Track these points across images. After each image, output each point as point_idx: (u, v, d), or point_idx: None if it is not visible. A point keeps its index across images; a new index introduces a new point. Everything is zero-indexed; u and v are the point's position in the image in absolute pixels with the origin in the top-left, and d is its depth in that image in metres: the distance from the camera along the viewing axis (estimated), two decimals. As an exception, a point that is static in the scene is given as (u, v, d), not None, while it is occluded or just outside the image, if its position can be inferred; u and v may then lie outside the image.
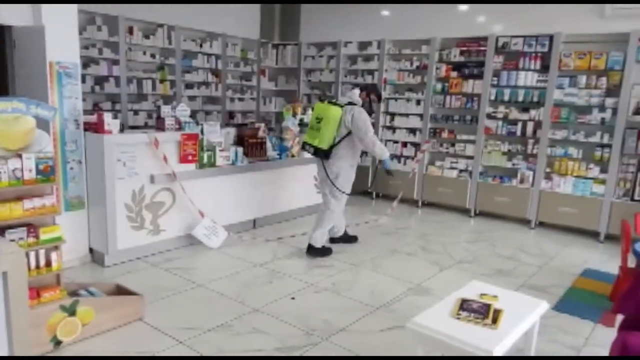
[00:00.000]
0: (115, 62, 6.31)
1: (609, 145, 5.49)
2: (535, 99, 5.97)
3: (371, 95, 4.69)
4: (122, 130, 4.31)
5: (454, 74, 6.59)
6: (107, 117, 4.05)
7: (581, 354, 3.07)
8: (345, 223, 5.10)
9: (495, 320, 2.41)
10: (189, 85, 7.30)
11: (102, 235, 4.15)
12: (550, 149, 5.88)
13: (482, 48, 6.29)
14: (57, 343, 2.87)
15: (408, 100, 7.02)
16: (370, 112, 4.65)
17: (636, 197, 5.36)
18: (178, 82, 7.03)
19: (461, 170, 6.58)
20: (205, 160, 4.78)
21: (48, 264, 2.93)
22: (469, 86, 6.45)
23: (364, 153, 5.56)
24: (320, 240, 4.69)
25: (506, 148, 6.24)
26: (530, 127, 6.02)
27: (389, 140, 7.22)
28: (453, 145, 6.68)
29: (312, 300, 3.69)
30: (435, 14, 6.85)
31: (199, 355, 2.88)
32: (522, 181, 6.07)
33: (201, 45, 7.30)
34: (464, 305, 2.55)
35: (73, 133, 4.03)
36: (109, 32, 6.19)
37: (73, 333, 2.92)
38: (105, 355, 2.86)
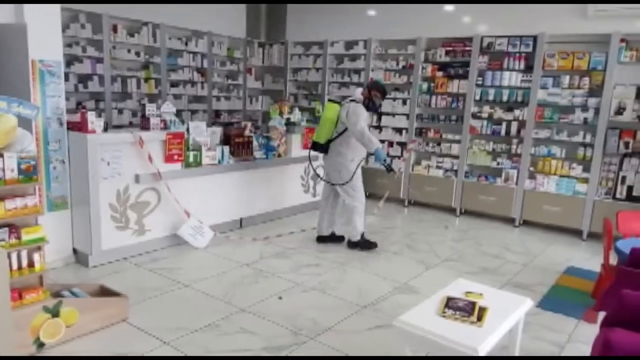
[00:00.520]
0: (99, 61, 6.23)
1: (592, 145, 5.58)
2: (519, 99, 6.04)
3: (372, 91, 4.71)
4: (106, 129, 4.25)
5: (439, 73, 6.64)
6: (91, 116, 4.00)
7: (565, 351, 3.12)
8: (335, 224, 5.13)
9: (480, 318, 2.44)
10: (174, 84, 7.24)
11: (86, 235, 4.10)
12: (534, 148, 5.96)
13: (467, 48, 6.34)
14: (40, 345, 2.82)
15: (394, 99, 7.06)
16: (375, 109, 4.83)
17: (618, 196, 5.46)
18: (163, 80, 6.97)
19: (447, 170, 6.64)
20: (191, 159, 4.74)
21: (31, 264, 2.89)
22: (455, 86, 6.50)
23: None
24: (355, 234, 4.85)
25: (491, 147, 6.31)
26: (514, 126, 6.09)
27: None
28: (439, 144, 6.73)
29: (299, 300, 3.69)
30: (421, 14, 6.89)
31: (184, 355, 2.86)
32: (506, 180, 6.14)
33: (187, 44, 7.24)
34: (450, 304, 2.57)
35: (56, 132, 3.97)
36: (92, 30, 6.11)
37: (56, 334, 2.88)
38: (89, 356, 2.82)
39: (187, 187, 4.72)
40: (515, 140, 6.10)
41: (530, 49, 5.91)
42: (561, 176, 5.81)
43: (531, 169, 6.00)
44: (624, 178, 5.43)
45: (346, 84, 7.56)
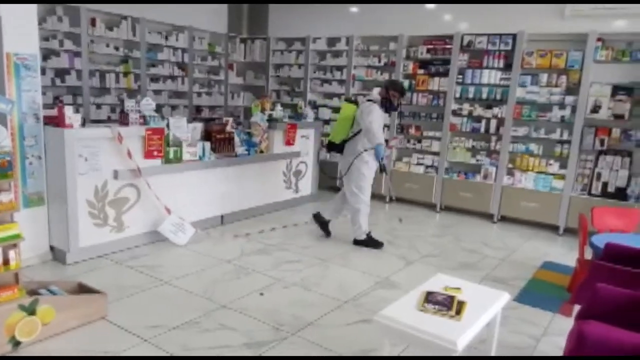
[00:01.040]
0: (77, 55, 6.12)
1: (568, 142, 5.69)
2: (498, 97, 6.13)
3: (390, 91, 4.72)
4: (83, 124, 4.18)
5: (420, 71, 6.69)
6: (68, 110, 3.92)
7: (541, 344, 3.18)
8: (335, 216, 5.18)
9: (459, 312, 2.47)
10: (154, 79, 7.16)
11: (63, 232, 4.03)
12: (512, 145, 6.06)
13: (448, 46, 6.40)
14: (16, 344, 2.77)
15: (376, 96, 7.08)
16: (394, 108, 4.88)
17: (593, 192, 5.58)
18: (143, 75, 6.88)
19: (428, 166, 6.70)
20: (171, 155, 4.70)
21: (6, 262, 2.83)
22: (435, 83, 6.56)
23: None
24: (360, 234, 4.87)
25: (470, 144, 6.39)
26: (493, 124, 6.18)
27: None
28: (420, 141, 6.79)
29: (281, 296, 3.69)
30: (403, 12, 6.92)
31: (167, 355, 2.84)
32: (485, 177, 6.23)
33: (167, 38, 7.16)
34: (429, 298, 2.60)
35: (32, 127, 3.89)
36: (70, 23, 5.99)
37: (32, 333, 2.83)
38: (66, 355, 2.78)
39: (168, 184, 4.67)
40: (494, 138, 6.19)
41: (509, 48, 5.99)
42: (538, 173, 5.92)
43: (509, 165, 6.10)
44: (599, 174, 5.56)
45: (328, 80, 7.57)
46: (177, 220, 4.68)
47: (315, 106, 7.58)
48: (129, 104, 4.52)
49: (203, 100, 7.90)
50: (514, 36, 5.92)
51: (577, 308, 2.69)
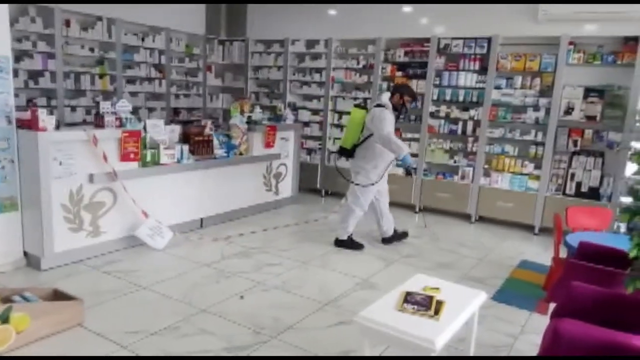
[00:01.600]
0: (51, 56, 5.99)
1: (543, 143, 5.82)
2: (474, 99, 6.23)
3: (404, 96, 4.79)
4: (58, 127, 4.10)
5: (399, 73, 6.75)
6: (42, 113, 3.84)
7: (518, 342, 3.24)
8: (392, 221, 5.17)
9: (437, 312, 2.51)
10: (130, 81, 7.05)
11: (38, 237, 3.94)
12: (488, 146, 6.17)
13: (425, 49, 6.48)
14: (-12, 353, 2.70)
15: (355, 99, 7.12)
16: (404, 113, 4.94)
17: (567, 192, 5.72)
18: (119, 77, 6.77)
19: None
20: (148, 158, 4.64)
21: (-24, 269, 2.75)
22: (413, 86, 6.59)
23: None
24: (343, 234, 4.93)
25: (448, 146, 6.48)
26: (470, 126, 6.28)
27: (337, 138, 7.30)
28: (399, 143, 6.83)
29: (261, 299, 3.68)
30: (381, 15, 6.98)
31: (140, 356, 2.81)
32: (463, 178, 6.32)
33: (143, 40, 7.06)
34: (408, 298, 2.63)
35: (4, 130, 3.80)
36: (43, 24, 5.86)
37: (6, 341, 2.75)
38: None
39: (145, 187, 4.61)
40: (471, 139, 6.29)
41: (484, 51, 6.10)
42: (514, 173, 6.03)
43: (486, 166, 6.20)
44: (573, 175, 5.69)
45: (308, 82, 7.57)
46: (155, 224, 4.62)
47: (294, 108, 7.57)
48: (105, 106, 4.45)
49: (181, 102, 7.82)
50: (489, 40, 6.03)
51: (553, 306, 2.75)
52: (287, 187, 6.64)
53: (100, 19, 6.47)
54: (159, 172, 4.73)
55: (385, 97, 4.83)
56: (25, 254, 4.07)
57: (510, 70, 5.98)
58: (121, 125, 4.43)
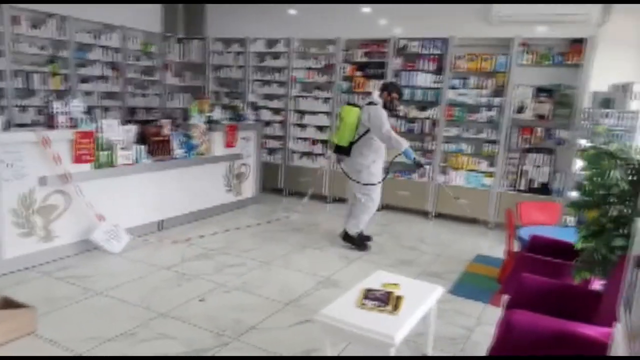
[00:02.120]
0: (-1, 54, 5.73)
1: (496, 141, 6.02)
2: (431, 99, 6.37)
3: (392, 93, 4.90)
4: (7, 128, 3.93)
5: (358, 73, 6.83)
6: (-12, 114, 3.68)
7: (474, 334, 3.35)
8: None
9: (396, 307, 2.56)
10: (84, 80, 6.82)
11: (-15, 244, 3.76)
12: (445, 145, 6.33)
13: (384, 50, 6.58)
14: None
15: (316, 98, 7.15)
16: (393, 109, 5.01)
17: (520, 188, 5.94)
18: (72, 76, 6.54)
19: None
20: (103, 159, 4.50)
21: None
22: (373, 85, 6.70)
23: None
24: (353, 229, 4.97)
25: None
26: (427, 125, 6.42)
27: (299, 138, 7.31)
28: (359, 142, 6.90)
29: (222, 301, 3.65)
30: (340, 15, 7.02)
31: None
32: (421, 176, 6.45)
33: (97, 38, 6.85)
34: (368, 295, 2.67)
35: (-55, 132, 3.61)
36: (-11, 20, 5.60)
37: (-50, 354, 2.63)
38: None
39: (101, 189, 4.48)
40: (428, 138, 6.43)
41: (441, 52, 6.25)
42: (470, 171, 6.22)
43: (443, 164, 6.36)
44: (525, 171, 5.92)
45: (269, 82, 7.54)
46: (111, 227, 4.49)
47: (255, 108, 7.53)
48: (57, 106, 4.30)
49: (138, 101, 7.63)
50: (445, 41, 6.18)
51: (506, 298, 2.85)
52: (249, 187, 6.60)
53: (51, 16, 6.23)
54: (115, 174, 4.61)
55: (376, 94, 4.95)
56: (-29, 261, 3.88)
57: (466, 71, 6.16)
58: (74, 125, 4.29)
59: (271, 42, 7.47)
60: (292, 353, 2.97)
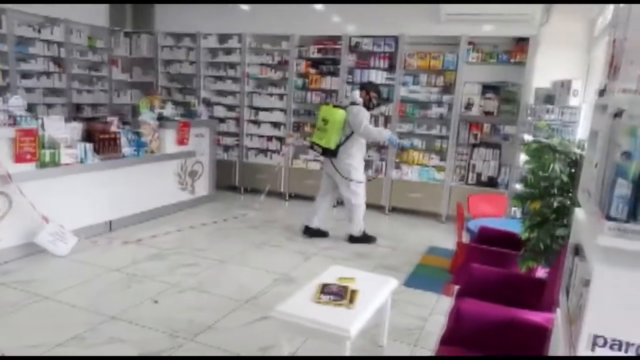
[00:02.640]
0: None
1: (446, 137, 6.20)
2: (385, 96, 6.47)
3: (370, 92, 5.07)
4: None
5: (312, 70, 6.84)
6: None
7: (428, 323, 3.44)
8: (322, 218, 5.32)
9: (352, 301, 2.60)
10: (26, 76, 6.49)
11: None
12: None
13: (337, 47, 6.62)
14: None
15: (271, 95, 7.11)
16: (372, 108, 5.16)
17: (469, 182, 6.15)
18: (12, 71, 6.20)
19: (323, 163, 6.86)
20: (47, 158, 4.30)
21: None
22: (327, 82, 6.75)
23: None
24: (356, 231, 5.13)
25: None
26: (381, 121, 6.52)
27: (254, 135, 7.25)
28: (314, 138, 6.93)
29: (176, 301, 3.57)
30: (294, 12, 7.00)
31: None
32: (376, 171, 6.56)
33: (39, 31, 6.52)
34: (324, 290, 2.70)
35: None
36: None
37: None
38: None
39: (45, 189, 4.28)
40: (382, 134, 6.53)
41: (392, 49, 6.36)
42: (422, 166, 6.38)
43: (397, 160, 6.48)
44: (474, 166, 6.13)
45: (222, 78, 7.43)
46: (57, 229, 4.30)
47: (209, 104, 7.40)
48: (-6, 103, 4.08)
49: (84, 98, 7.33)
50: (396, 39, 6.29)
51: (457, 288, 2.95)
52: (203, 185, 6.48)
53: (-14, 7, 5.89)
54: (60, 173, 4.41)
55: (356, 94, 5.06)
56: None
57: (417, 68, 6.29)
58: (15, 123, 4.07)
59: (224, 38, 7.36)
60: (249, 351, 2.95)
